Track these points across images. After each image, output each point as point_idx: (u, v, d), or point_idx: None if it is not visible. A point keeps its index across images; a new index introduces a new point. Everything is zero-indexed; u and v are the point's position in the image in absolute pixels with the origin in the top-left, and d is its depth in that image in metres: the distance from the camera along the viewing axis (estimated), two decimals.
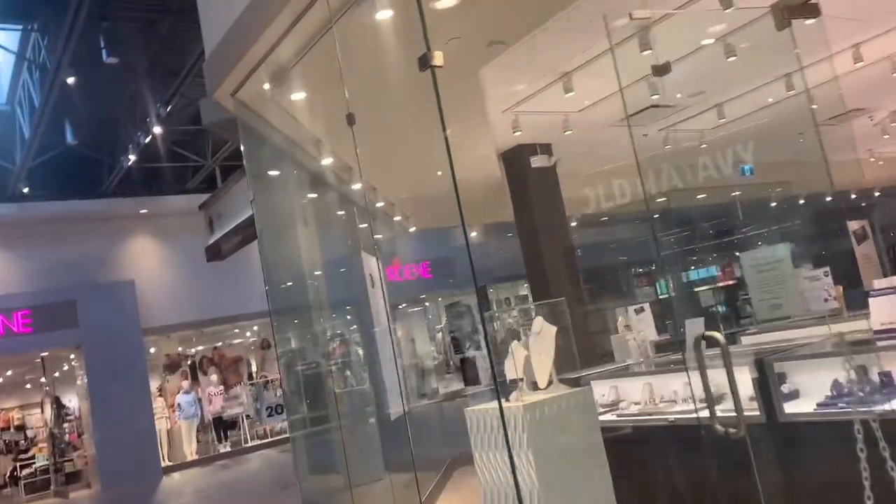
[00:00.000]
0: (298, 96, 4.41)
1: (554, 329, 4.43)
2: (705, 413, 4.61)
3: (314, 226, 6.11)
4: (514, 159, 7.44)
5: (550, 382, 4.31)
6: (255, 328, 20.35)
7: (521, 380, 4.28)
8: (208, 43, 5.24)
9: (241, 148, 4.88)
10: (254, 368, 19.75)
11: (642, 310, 6.12)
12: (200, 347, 19.05)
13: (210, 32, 5.20)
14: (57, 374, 18.44)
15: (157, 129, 11.93)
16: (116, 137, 13.88)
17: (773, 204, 13.00)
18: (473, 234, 13.60)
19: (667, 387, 5.56)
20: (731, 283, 11.83)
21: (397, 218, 8.46)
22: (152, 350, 17.42)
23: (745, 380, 4.81)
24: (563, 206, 7.50)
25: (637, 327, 6.14)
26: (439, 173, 7.30)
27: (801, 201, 12.64)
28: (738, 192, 12.88)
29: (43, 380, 18.03)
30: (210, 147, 14.97)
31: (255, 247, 16.84)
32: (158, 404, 17.08)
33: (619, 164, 7.90)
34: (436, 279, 20.36)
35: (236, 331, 18.83)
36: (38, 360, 16.94)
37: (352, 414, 7.39)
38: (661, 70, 4.88)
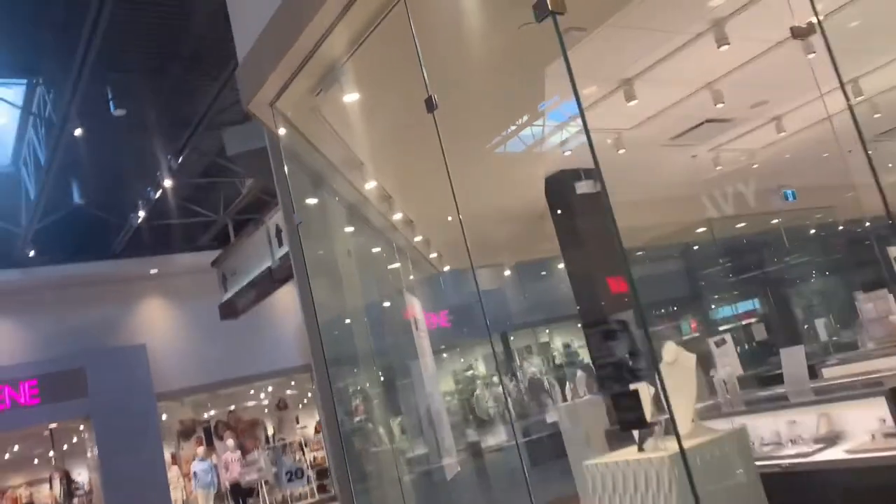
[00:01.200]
0: (349, 99, 3.87)
1: (693, 357, 3.71)
2: (831, 455, 3.94)
3: (356, 261, 5.53)
4: (557, 186, 6.89)
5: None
6: (270, 389, 19.62)
7: (656, 423, 3.52)
8: (241, 45, 4.67)
9: (281, 169, 4.25)
10: (270, 431, 18.94)
11: (724, 342, 5.46)
12: (214, 412, 18.27)
13: (243, 31, 4.62)
14: (66, 447, 17.62)
15: (168, 183, 11.45)
16: (125, 195, 13.39)
17: (814, 231, 12.41)
18: (507, 272, 13.00)
19: (767, 427, 4.88)
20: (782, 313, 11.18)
21: (433, 255, 7.87)
22: (164, 416, 16.65)
23: (870, 415, 4.16)
24: (617, 234, 6.90)
25: (720, 361, 5.47)
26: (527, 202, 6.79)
27: (841, 227, 12.00)
28: (776, 220, 12.34)
29: (51, 454, 17.24)
30: (222, 201, 14.49)
31: (269, 302, 16.34)
32: (173, 473, 16.24)
33: (668, 189, 7.33)
34: (454, 328, 19.69)
35: (252, 392, 18.08)
36: (47, 432, 16.17)
37: (408, 471, 6.70)
38: (804, 32, 4.24)
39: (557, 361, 21.40)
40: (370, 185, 5.05)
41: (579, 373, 8.92)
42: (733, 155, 7.62)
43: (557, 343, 21.13)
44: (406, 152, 4.26)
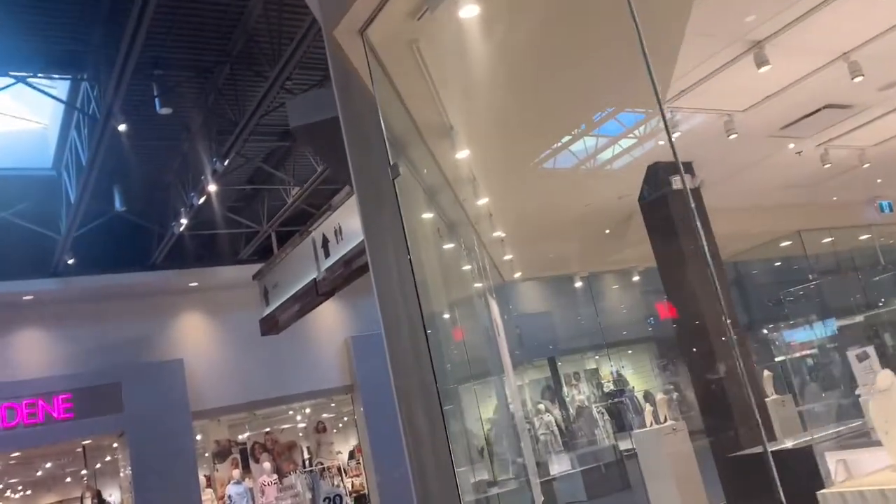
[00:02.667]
0: (456, 33, 3.17)
1: None
2: None
3: (445, 251, 4.82)
4: (649, 180, 6.13)
5: None
6: (308, 410, 18.93)
7: None
8: None
9: (373, 113, 3.48)
10: (305, 455, 18.20)
11: (866, 356, 4.61)
12: (250, 433, 17.61)
13: None
14: (98, 465, 17.11)
15: (213, 188, 10.89)
16: (167, 202, 12.91)
17: None
18: (578, 284, 12.18)
19: None
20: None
21: (507, 257, 7.13)
22: (199, 437, 16.02)
23: None
24: (713, 239, 6.09)
25: (862, 379, 4.62)
26: (587, 205, 6.04)
27: None
28: (866, 236, 11.36)
29: (84, 472, 16.73)
30: (265, 211, 13.95)
31: (310, 320, 15.69)
32: (207, 496, 15.59)
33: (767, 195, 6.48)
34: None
35: (291, 412, 17.40)
36: (79, 449, 15.64)
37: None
38: None
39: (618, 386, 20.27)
40: (460, 155, 4.32)
41: (660, 395, 8.07)
42: (843, 153, 6.78)
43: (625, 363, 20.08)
44: (506, 120, 3.56)
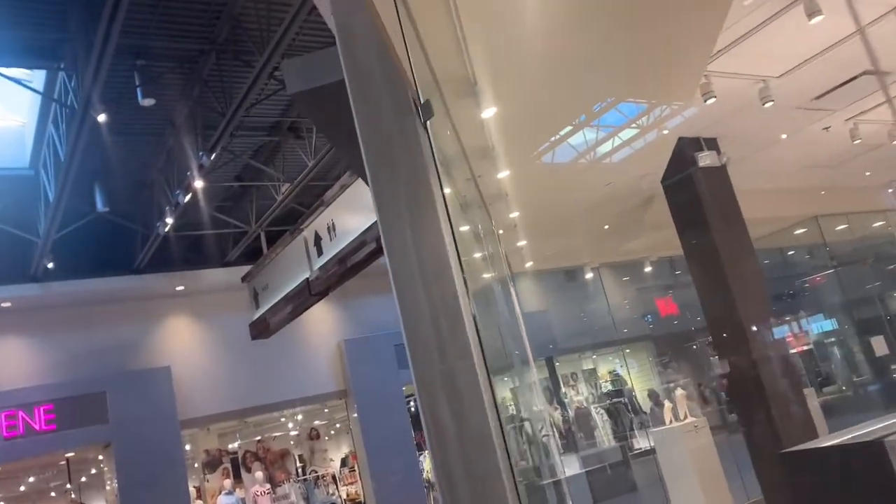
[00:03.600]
0: None
1: None
2: None
3: (464, 231, 4.35)
4: (674, 158, 5.68)
5: None
6: (299, 417, 18.39)
7: None
8: None
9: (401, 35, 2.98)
10: (298, 463, 17.64)
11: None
12: (238, 442, 17.04)
13: None
14: (84, 479, 16.47)
15: (199, 184, 10.38)
16: (152, 201, 12.38)
17: None
18: (589, 275, 11.65)
19: None
20: None
21: (521, 243, 6.67)
22: (188, 447, 15.43)
23: None
24: (742, 221, 5.66)
25: None
26: (608, 184, 5.59)
27: None
28: (880, 223, 10.98)
29: (68, 486, 16.08)
30: (254, 212, 13.43)
31: (301, 324, 15.19)
32: None
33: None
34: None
35: (283, 419, 16.84)
36: (63, 461, 15.01)
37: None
38: None
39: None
40: (487, 114, 3.83)
41: (679, 392, 7.63)
42: (873, 129, 6.39)
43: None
44: (539, 80, 3.11)
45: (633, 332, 17.85)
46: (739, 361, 5.44)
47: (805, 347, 10.06)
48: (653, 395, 13.80)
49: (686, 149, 5.61)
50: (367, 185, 3.66)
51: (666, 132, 5.07)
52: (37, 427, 12.93)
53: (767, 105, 5.14)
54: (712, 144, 5.74)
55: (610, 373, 21.25)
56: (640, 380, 19.23)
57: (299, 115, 11.00)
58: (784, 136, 6.08)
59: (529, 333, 18.78)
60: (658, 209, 6.62)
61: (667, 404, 7.60)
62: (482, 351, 3.15)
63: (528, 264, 7.19)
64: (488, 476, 3.30)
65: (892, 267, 10.40)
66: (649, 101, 4.72)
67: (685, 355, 16.66)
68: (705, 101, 4.97)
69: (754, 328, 5.44)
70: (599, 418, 19.83)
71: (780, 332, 9.38)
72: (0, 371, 13.05)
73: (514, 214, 5.65)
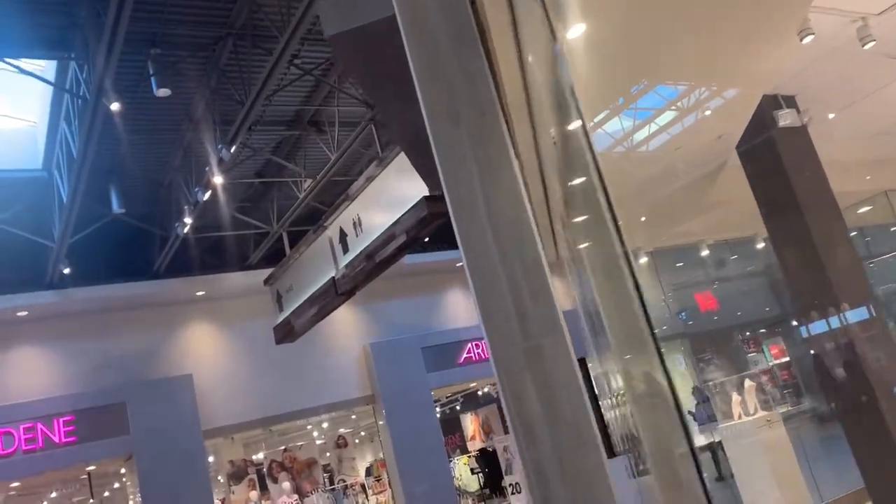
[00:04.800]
0: None
1: None
2: None
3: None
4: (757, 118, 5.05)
5: None
6: (325, 425, 17.84)
7: None
8: None
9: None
10: (325, 472, 17.07)
11: None
12: (264, 452, 16.51)
13: None
14: (106, 493, 16.03)
15: (219, 180, 9.88)
16: (170, 201, 11.91)
17: None
18: (643, 259, 10.86)
19: None
20: None
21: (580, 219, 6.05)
22: (211, 459, 14.91)
23: None
24: (829, 190, 5.04)
25: None
26: (678, 148, 4.98)
27: None
28: None
29: (91, 501, 15.63)
30: (275, 210, 12.93)
31: (326, 328, 14.65)
32: None
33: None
34: None
35: (309, 427, 16.30)
36: (84, 475, 14.55)
37: None
38: None
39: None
40: (573, 31, 3.21)
41: (748, 383, 7.00)
42: None
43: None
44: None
45: (668, 328, 17.13)
46: (840, 346, 4.83)
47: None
48: (697, 393, 13.12)
49: (763, 107, 5.01)
50: (426, 139, 3.08)
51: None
52: (56, 440, 12.47)
53: (868, 45, 4.51)
54: (791, 103, 5.13)
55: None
56: (678, 378, 18.50)
57: (321, 104, 10.48)
58: (865, 93, 5.46)
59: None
60: (726, 181, 6.01)
61: (735, 398, 6.97)
62: (646, 314, 2.56)
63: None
64: (589, 474, 2.72)
65: None
66: (747, 42, 4.12)
67: (724, 351, 15.92)
68: (801, 39, 4.34)
69: (847, 308, 4.82)
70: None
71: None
72: (17, 382, 12.60)
73: (579, 180, 5.04)
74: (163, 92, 8.74)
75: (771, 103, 5.06)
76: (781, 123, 4.99)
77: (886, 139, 6.88)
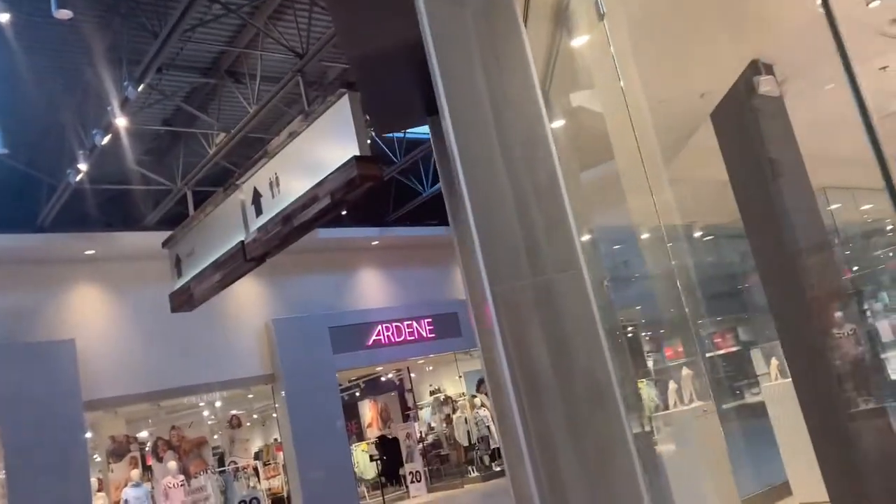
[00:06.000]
0: None
1: None
2: None
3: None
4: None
5: None
6: (218, 404, 16.80)
7: None
8: None
9: None
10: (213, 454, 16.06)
11: None
12: (150, 429, 15.37)
13: None
14: None
15: (122, 121, 8.88)
16: (62, 146, 10.71)
17: None
18: (586, 237, 10.52)
19: None
20: None
21: None
22: (88, 435, 13.65)
23: None
24: (802, 161, 4.75)
25: None
26: (661, 101, 4.50)
27: None
28: None
29: None
30: (181, 168, 11.90)
31: (225, 299, 13.67)
32: (100, 501, 13.34)
33: None
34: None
35: (201, 404, 15.26)
36: None
37: None
38: None
39: None
40: None
41: (685, 371, 6.73)
42: None
43: None
44: None
45: None
46: (808, 327, 4.53)
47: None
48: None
49: (745, 75, 4.66)
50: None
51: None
52: None
53: (874, 4, 4.23)
54: (769, 71, 4.81)
55: None
56: None
57: (246, 47, 9.61)
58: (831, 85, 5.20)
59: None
60: (688, 157, 5.67)
61: (671, 385, 6.69)
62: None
63: None
64: (609, 443, 2.19)
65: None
66: None
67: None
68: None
69: (825, 288, 4.53)
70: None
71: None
72: None
73: (558, 124, 4.51)
74: (63, 14, 7.67)
75: (750, 67, 4.73)
76: (761, 90, 4.66)
77: (835, 132, 6.69)
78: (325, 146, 8.64)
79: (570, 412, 2.12)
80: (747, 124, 4.63)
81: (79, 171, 10.03)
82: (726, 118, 4.69)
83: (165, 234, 12.23)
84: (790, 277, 4.47)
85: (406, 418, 19.50)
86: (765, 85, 4.58)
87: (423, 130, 16.93)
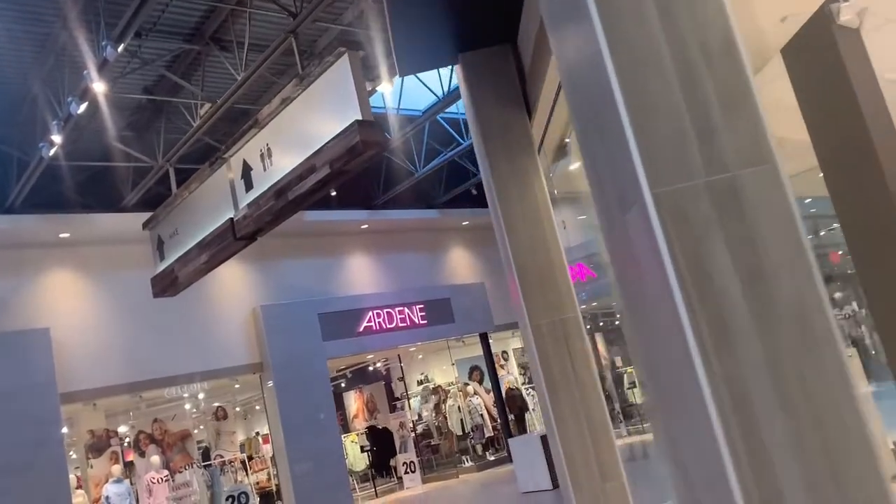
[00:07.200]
0: None
1: None
2: None
3: None
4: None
5: None
6: (202, 395, 16.08)
7: None
8: None
9: None
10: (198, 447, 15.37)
11: None
12: (131, 422, 14.63)
13: None
14: None
15: (100, 87, 8.17)
16: (34, 119, 9.95)
17: None
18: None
19: None
20: None
21: (575, 165, 4.96)
22: (64, 430, 12.87)
23: None
24: (883, 102, 4.21)
25: None
26: (783, 19, 3.85)
27: None
28: None
29: None
30: (162, 144, 11.17)
31: (210, 284, 12.98)
32: (79, 499, 12.64)
33: None
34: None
35: (185, 395, 14.55)
36: None
37: None
38: None
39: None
40: None
41: None
42: None
43: None
44: None
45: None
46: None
47: None
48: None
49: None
50: None
51: None
52: None
53: None
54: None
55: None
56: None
57: (234, 7, 8.91)
58: None
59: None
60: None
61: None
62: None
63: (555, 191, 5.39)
64: (829, 400, 1.62)
65: None
66: None
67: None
68: None
69: None
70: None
71: None
72: None
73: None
74: None
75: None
76: (841, 19, 4.13)
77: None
78: (323, 112, 7.99)
79: (772, 359, 1.53)
80: (828, 59, 4.08)
81: (52, 144, 9.29)
82: (801, 52, 4.14)
83: (146, 216, 11.51)
84: (879, 221, 3.94)
85: (393, 409, 18.90)
86: (845, 13, 4.04)
87: (416, 106, 16.03)
